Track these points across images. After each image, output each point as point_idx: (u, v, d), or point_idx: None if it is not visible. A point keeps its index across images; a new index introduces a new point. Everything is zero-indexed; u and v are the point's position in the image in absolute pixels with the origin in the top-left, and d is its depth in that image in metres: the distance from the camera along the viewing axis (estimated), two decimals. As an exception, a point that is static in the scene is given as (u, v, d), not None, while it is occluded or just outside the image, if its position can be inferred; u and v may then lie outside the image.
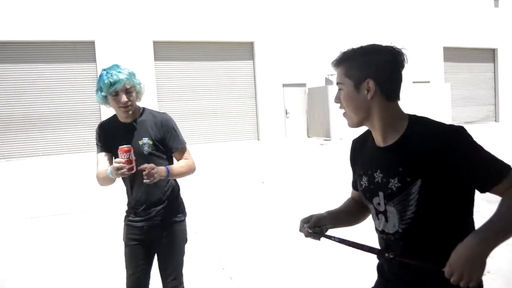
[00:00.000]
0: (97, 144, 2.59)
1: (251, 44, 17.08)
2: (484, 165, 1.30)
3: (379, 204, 1.46)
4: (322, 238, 1.56)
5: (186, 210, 2.68)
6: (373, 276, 1.65)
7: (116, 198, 6.98)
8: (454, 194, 1.34)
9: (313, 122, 17.49)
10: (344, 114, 1.48)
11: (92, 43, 14.90)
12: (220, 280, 3.94)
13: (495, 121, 21.72)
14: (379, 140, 1.46)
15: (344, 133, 16.81)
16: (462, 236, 1.31)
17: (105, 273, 4.20)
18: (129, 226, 2.56)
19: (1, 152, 14.19)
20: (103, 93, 2.37)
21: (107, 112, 11.30)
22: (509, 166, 1.31)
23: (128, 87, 2.36)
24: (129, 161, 2.24)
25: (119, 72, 2.34)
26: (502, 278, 3.66)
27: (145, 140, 2.44)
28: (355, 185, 1.65)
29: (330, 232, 1.58)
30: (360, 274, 3.41)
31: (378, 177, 1.44)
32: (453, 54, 20.61)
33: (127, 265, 2.57)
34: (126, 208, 2.62)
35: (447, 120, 18.61)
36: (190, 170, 2.54)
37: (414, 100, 17.97)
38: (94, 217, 6.38)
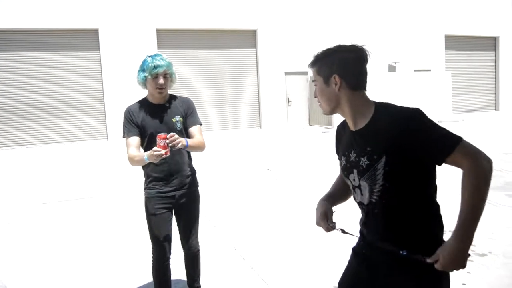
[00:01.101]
0: (125, 127, 2.88)
1: (253, 32, 17.12)
2: (437, 140, 1.50)
3: (354, 180, 1.71)
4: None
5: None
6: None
7: (121, 184, 7.18)
8: (415, 170, 1.56)
9: (315, 110, 17.59)
10: (320, 105, 1.77)
11: (96, 31, 14.96)
12: (233, 261, 4.11)
13: (495, 109, 21.84)
14: (351, 125, 1.72)
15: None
16: (427, 208, 1.62)
17: (112, 255, 4.38)
18: (157, 197, 2.90)
19: (9, 140, 14.35)
20: (145, 74, 2.78)
21: (111, 100, 11.57)
22: (459, 138, 1.50)
23: (167, 72, 2.81)
24: (165, 147, 2.58)
25: (162, 59, 2.78)
26: (502, 258, 3.85)
27: (178, 118, 2.89)
28: (340, 162, 1.89)
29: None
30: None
31: (352, 157, 1.69)
32: (454, 43, 20.65)
33: (155, 233, 2.92)
34: (145, 183, 2.97)
35: (449, 109, 18.75)
36: (202, 146, 2.94)
37: (415, 88, 18.07)
38: (101, 203, 6.55)
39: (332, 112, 1.73)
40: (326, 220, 1.81)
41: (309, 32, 17.55)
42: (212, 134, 15.07)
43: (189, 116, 2.95)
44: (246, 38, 17.17)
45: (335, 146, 1.92)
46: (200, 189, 3.15)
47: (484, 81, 21.68)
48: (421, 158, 1.53)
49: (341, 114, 1.73)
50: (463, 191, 1.47)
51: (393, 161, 1.55)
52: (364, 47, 1.66)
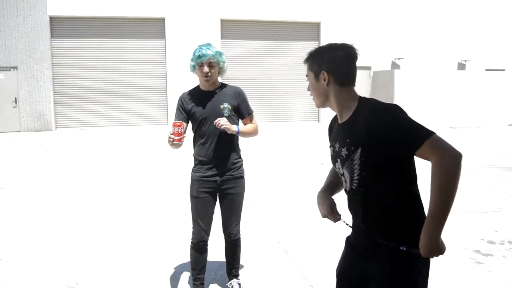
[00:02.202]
0: (176, 113, 3.10)
1: (317, 25, 16.91)
2: (408, 133, 1.57)
3: (339, 168, 1.85)
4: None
5: (246, 184, 3.20)
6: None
7: (171, 168, 7.40)
8: (390, 161, 1.64)
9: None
10: (313, 99, 1.89)
11: (162, 20, 15.40)
12: (275, 253, 4.11)
13: None
14: (339, 118, 1.83)
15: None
16: (404, 197, 1.69)
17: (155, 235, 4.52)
18: (200, 180, 3.03)
19: (78, 121, 15.21)
20: (192, 63, 2.98)
21: (174, 87, 11.87)
22: (430, 132, 1.56)
23: (211, 61, 2.92)
24: (178, 134, 2.83)
25: (208, 49, 2.93)
26: None
27: (225, 104, 3.00)
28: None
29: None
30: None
31: (336, 147, 1.83)
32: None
33: (195, 215, 3.07)
34: (193, 166, 3.12)
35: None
36: (255, 132, 3.14)
37: (486, 89, 17.11)
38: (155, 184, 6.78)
39: (322, 105, 1.86)
40: (332, 212, 1.91)
41: (374, 26, 17.07)
42: (270, 125, 15.10)
43: (242, 105, 3.09)
44: (310, 31, 17.01)
45: (328, 136, 2.03)
46: (248, 178, 3.20)
47: None
48: (394, 150, 1.61)
49: (330, 108, 1.84)
50: (431, 190, 1.54)
51: (368, 152, 1.65)
52: (353, 45, 1.78)
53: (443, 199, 1.52)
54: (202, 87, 3.07)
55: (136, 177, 7.42)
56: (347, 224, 1.93)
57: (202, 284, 3.17)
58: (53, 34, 14.82)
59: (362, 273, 1.81)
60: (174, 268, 3.74)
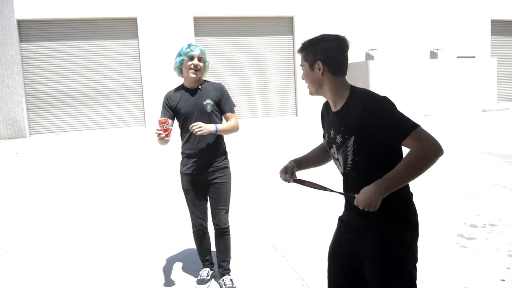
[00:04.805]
0: (161, 111, 3.27)
1: (290, 19, 16.94)
2: (396, 125, 1.72)
3: (334, 153, 1.98)
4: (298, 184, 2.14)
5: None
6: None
7: (157, 168, 7.33)
8: (380, 147, 1.79)
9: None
10: (307, 87, 2.01)
11: (134, 20, 15.20)
12: (264, 248, 4.11)
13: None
14: (332, 106, 1.96)
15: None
16: None
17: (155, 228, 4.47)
18: (188, 174, 3.25)
19: (52, 126, 14.90)
20: (181, 57, 3.12)
21: (150, 87, 11.78)
22: (416, 125, 1.70)
23: (200, 56, 3.14)
24: (165, 130, 2.99)
25: (196, 46, 3.16)
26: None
27: (208, 100, 3.17)
28: (324, 137, 2.14)
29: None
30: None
31: (332, 134, 1.95)
32: (501, 28, 19.77)
33: (189, 206, 3.34)
34: (181, 161, 3.31)
35: (493, 98, 18.02)
36: (234, 129, 3.25)
37: (458, 76, 17.45)
38: (137, 187, 6.70)
39: (316, 93, 1.98)
40: (285, 172, 2.13)
41: (347, 19, 17.20)
42: (248, 121, 15.09)
43: (223, 100, 3.23)
44: (283, 25, 17.02)
45: (320, 122, 2.16)
46: (232, 172, 3.36)
47: (533, 68, 20.67)
48: (383, 138, 1.75)
49: (324, 96, 1.96)
50: (402, 161, 1.71)
51: (360, 140, 1.80)
52: (345, 37, 1.88)
53: (405, 173, 1.69)
54: (186, 84, 3.23)
55: (121, 178, 7.31)
56: (300, 181, 2.09)
57: (212, 264, 3.48)
58: (21, 38, 14.44)
59: (354, 248, 1.95)
60: (184, 254, 3.72)
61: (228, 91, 3.32)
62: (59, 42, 14.76)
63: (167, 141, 3.06)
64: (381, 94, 1.83)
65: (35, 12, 14.23)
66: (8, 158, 10.24)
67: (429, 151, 1.66)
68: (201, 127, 2.96)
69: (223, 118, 3.31)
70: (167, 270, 3.72)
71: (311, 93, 2.02)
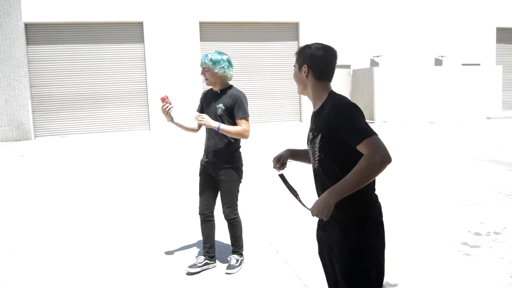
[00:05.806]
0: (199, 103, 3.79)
1: (296, 25, 17.00)
2: (354, 131, 1.85)
3: (309, 150, 2.16)
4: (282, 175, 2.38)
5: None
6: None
7: (162, 171, 7.34)
8: (343, 147, 1.91)
9: (357, 104, 17.33)
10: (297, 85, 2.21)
11: (140, 24, 15.29)
12: (267, 254, 4.12)
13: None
14: (313, 106, 2.17)
15: (388, 116, 16.60)
16: None
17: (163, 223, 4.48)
18: (201, 164, 3.71)
19: (57, 129, 14.97)
20: None
21: (155, 91, 11.83)
22: (372, 133, 1.82)
23: (203, 67, 3.49)
24: (169, 103, 3.47)
25: (206, 56, 3.47)
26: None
27: (220, 105, 3.51)
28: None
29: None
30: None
31: (309, 132, 2.15)
32: (506, 35, 19.74)
33: (199, 192, 3.72)
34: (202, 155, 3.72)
35: (498, 105, 17.97)
36: (239, 134, 3.51)
37: (462, 83, 17.43)
38: (144, 188, 6.71)
39: (302, 92, 2.19)
40: (277, 160, 2.35)
41: (352, 25, 17.24)
42: (252, 126, 14.95)
43: (235, 108, 3.51)
44: (289, 31, 17.07)
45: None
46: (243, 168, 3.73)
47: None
48: (343, 139, 1.89)
49: (307, 96, 2.18)
50: (355, 166, 1.80)
51: (325, 138, 1.98)
52: (334, 48, 2.10)
53: (356, 179, 1.79)
54: (212, 87, 3.64)
55: (125, 181, 7.33)
56: (283, 179, 2.34)
57: (208, 252, 3.71)
58: (28, 41, 14.56)
59: (326, 245, 2.12)
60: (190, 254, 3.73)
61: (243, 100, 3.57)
62: (66, 46, 14.86)
63: (172, 118, 3.52)
64: (352, 102, 2.00)
65: (42, 16, 14.35)
66: (13, 160, 10.29)
67: (377, 159, 1.76)
68: (203, 118, 3.39)
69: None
70: (174, 273, 3.73)
71: (299, 92, 2.24)
